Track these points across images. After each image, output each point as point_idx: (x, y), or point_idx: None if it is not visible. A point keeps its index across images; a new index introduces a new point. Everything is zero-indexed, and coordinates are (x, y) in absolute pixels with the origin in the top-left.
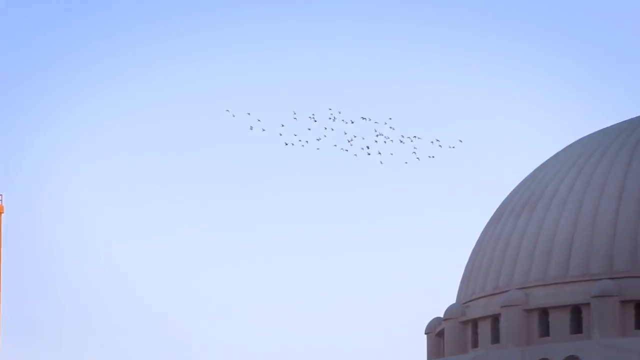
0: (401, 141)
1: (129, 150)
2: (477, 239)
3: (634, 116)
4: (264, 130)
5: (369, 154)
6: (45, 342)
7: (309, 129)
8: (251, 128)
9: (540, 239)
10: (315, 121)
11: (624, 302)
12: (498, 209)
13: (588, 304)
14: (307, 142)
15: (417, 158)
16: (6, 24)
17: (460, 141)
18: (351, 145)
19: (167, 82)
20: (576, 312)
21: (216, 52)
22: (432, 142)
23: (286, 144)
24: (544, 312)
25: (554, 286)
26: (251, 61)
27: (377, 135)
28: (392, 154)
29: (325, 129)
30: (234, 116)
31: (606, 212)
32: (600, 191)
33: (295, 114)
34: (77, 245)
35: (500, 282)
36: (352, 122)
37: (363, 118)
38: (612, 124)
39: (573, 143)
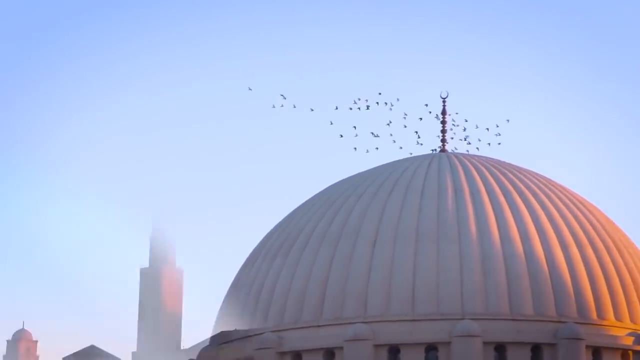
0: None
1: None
2: (231, 281)
3: (392, 160)
4: (312, 110)
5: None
6: None
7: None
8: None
9: (294, 282)
10: (368, 107)
11: (377, 346)
12: (253, 251)
13: (341, 348)
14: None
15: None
16: (11, 25)
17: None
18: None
19: (208, 70)
20: (330, 355)
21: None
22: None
23: (341, 136)
24: (297, 356)
25: (308, 329)
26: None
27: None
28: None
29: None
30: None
31: (360, 255)
32: (355, 235)
33: (355, 102)
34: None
35: (254, 325)
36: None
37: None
38: (370, 167)
39: (330, 186)
